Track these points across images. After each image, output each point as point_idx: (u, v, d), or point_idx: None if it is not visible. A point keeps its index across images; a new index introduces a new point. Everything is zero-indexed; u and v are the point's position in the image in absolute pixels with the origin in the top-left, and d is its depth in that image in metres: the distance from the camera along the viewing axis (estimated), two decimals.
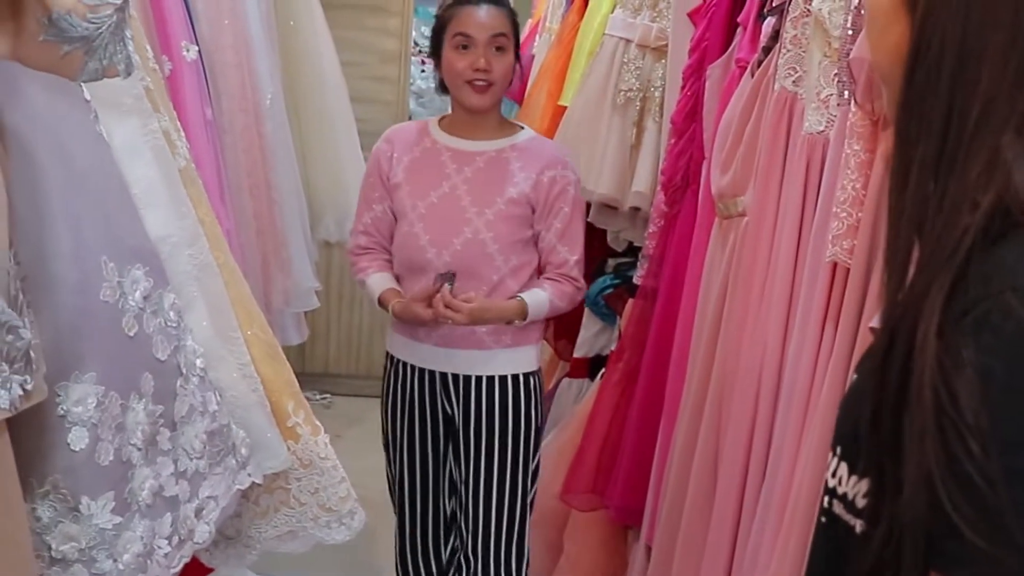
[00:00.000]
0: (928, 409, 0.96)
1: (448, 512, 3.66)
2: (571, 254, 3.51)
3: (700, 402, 2.96)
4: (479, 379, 3.50)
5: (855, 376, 1.22)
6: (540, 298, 3.46)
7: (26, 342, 1.41)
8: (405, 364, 3.57)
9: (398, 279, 3.55)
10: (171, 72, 2.64)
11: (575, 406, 4.23)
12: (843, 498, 1.13)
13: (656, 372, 3.37)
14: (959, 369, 0.95)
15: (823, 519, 1.19)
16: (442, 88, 3.60)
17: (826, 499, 1.18)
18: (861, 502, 1.07)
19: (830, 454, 1.18)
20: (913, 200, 1.05)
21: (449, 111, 3.66)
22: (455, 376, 3.51)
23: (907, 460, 0.97)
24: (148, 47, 2.13)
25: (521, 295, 3.45)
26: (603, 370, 4.02)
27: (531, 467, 3.54)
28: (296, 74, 4.06)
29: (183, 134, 2.13)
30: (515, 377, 3.52)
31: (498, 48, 3.45)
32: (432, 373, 3.53)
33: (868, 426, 1.04)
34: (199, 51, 2.83)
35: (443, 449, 3.60)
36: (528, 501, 3.55)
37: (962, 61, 1.03)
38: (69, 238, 1.60)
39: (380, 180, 3.55)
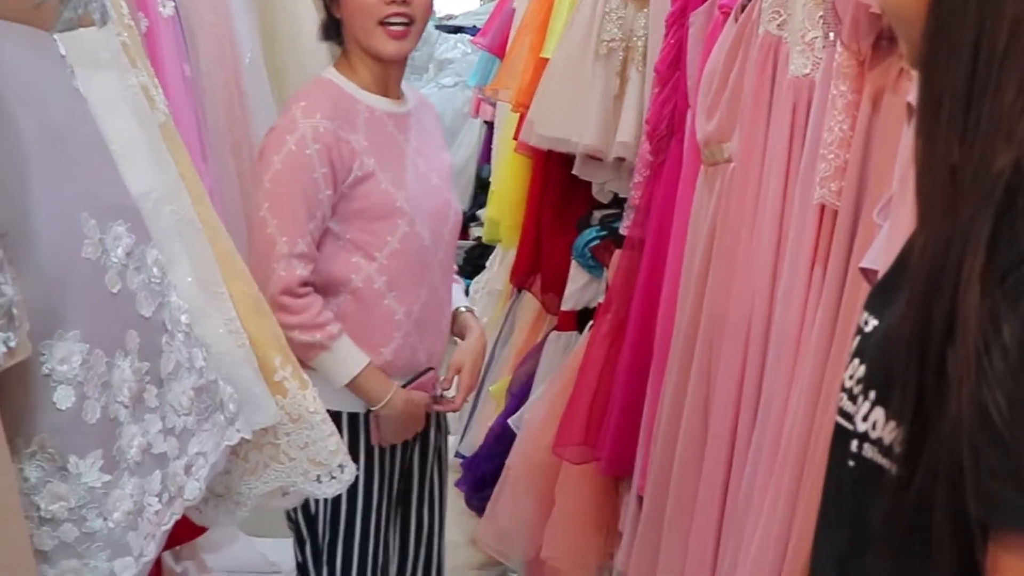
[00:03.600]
0: (970, 356, 0.96)
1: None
2: None
3: (689, 350, 2.96)
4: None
5: (870, 318, 1.21)
6: (463, 293, 3.16)
7: (8, 299, 1.39)
8: None
9: (360, 300, 2.76)
10: (147, 29, 2.61)
11: (563, 359, 4.23)
12: (878, 443, 1.13)
13: (644, 322, 3.36)
14: (997, 330, 0.97)
15: (851, 463, 1.18)
16: (331, 31, 2.90)
17: (854, 443, 1.17)
18: (898, 446, 1.07)
19: (855, 399, 1.18)
20: (946, 133, 1.04)
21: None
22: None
23: (949, 400, 0.98)
24: (124, 3, 2.10)
25: (465, 304, 3.08)
26: (591, 322, 4.01)
27: None
28: (275, 35, 4.02)
29: (161, 90, 2.10)
30: None
31: None
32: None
33: (913, 365, 1.03)
34: (176, 8, 2.80)
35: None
36: None
37: None
38: (48, 195, 1.58)
39: (331, 174, 2.69)
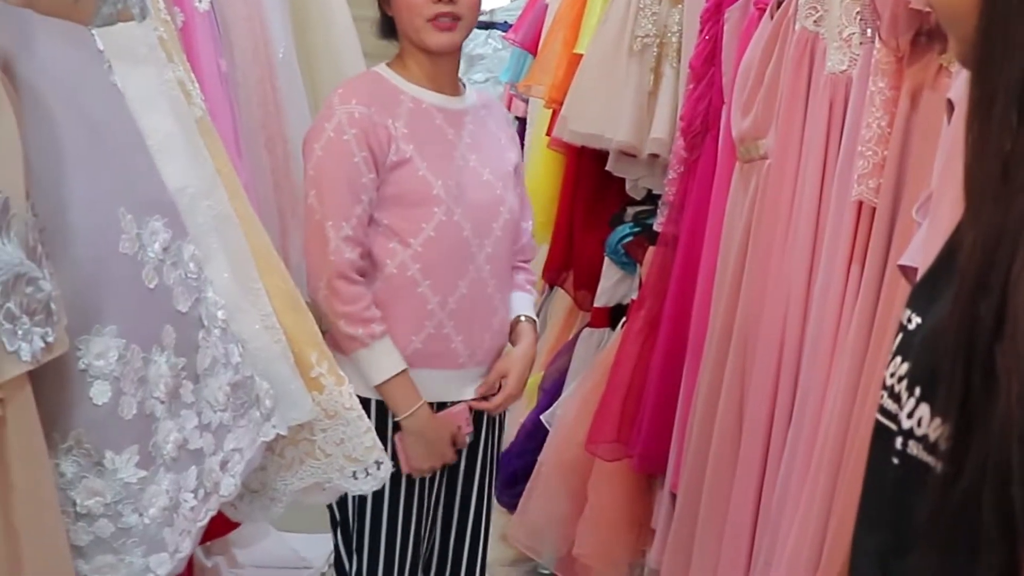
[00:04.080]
0: (1019, 352, 0.95)
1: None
2: (528, 222, 3.16)
3: (724, 348, 2.95)
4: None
5: (913, 315, 1.19)
6: (531, 304, 3.12)
7: (46, 294, 1.39)
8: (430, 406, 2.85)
9: (394, 286, 2.77)
10: (184, 23, 2.61)
11: (597, 356, 4.22)
12: (923, 440, 1.11)
13: (678, 319, 3.35)
14: None
15: (895, 460, 1.17)
16: (386, 29, 2.95)
17: (898, 441, 1.16)
18: (944, 443, 1.05)
19: (899, 397, 1.16)
20: (999, 127, 1.02)
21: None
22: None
23: (997, 396, 0.96)
24: None
25: (526, 314, 3.04)
26: (624, 319, 4.00)
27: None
28: (307, 30, 4.01)
29: (197, 85, 2.10)
30: None
31: None
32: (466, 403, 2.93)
33: (960, 361, 1.01)
34: (211, 2, 2.80)
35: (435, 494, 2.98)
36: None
37: None
38: (85, 190, 1.58)
39: (372, 157, 2.73)
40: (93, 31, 1.68)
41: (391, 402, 2.77)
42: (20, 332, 1.35)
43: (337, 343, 2.70)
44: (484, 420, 3.00)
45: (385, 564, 2.86)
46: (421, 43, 2.82)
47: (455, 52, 2.90)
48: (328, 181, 2.74)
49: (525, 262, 3.14)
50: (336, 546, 2.94)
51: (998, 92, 1.02)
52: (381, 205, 2.77)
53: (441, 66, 2.88)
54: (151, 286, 1.67)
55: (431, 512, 2.95)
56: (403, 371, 2.74)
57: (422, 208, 2.77)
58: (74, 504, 1.59)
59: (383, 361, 2.73)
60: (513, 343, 3.01)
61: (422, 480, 2.88)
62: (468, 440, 2.91)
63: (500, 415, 3.07)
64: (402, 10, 2.81)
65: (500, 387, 2.95)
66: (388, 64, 2.91)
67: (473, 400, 2.92)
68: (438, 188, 2.76)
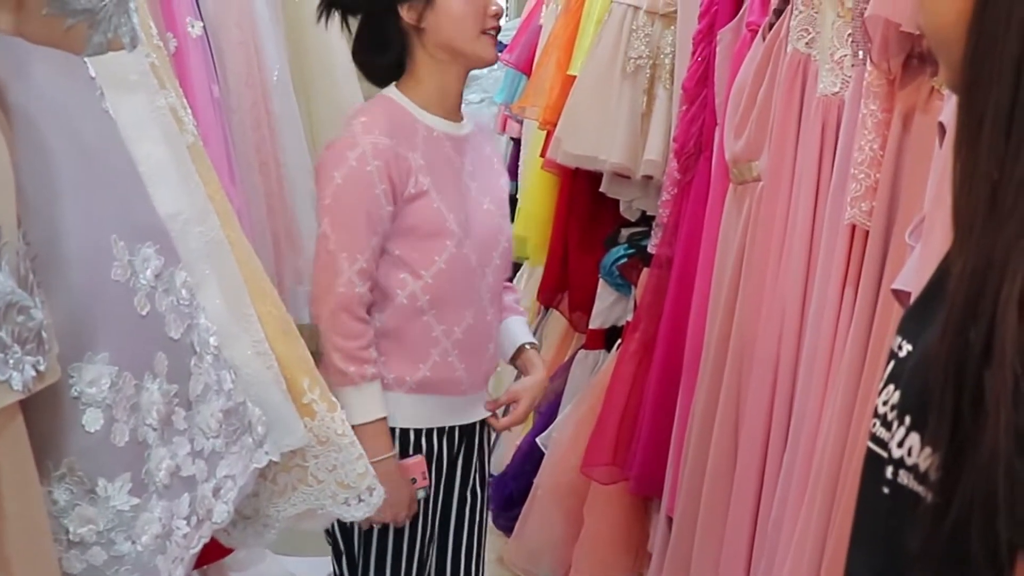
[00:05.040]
0: (1007, 381, 0.94)
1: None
2: None
3: (719, 370, 2.94)
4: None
5: (904, 342, 1.19)
6: (527, 326, 3.13)
7: (38, 322, 1.39)
8: (432, 432, 2.86)
9: (402, 316, 2.76)
10: (176, 49, 2.61)
11: (592, 378, 4.22)
12: (913, 469, 1.11)
13: (673, 341, 3.35)
14: None
15: (885, 490, 1.16)
16: (395, 45, 2.81)
17: (889, 470, 1.15)
18: (934, 473, 1.05)
19: (890, 425, 1.16)
20: (988, 153, 1.02)
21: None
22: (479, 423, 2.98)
23: (986, 426, 0.95)
24: (152, 24, 2.10)
25: (530, 341, 3.05)
26: (619, 341, 4.00)
27: None
28: (303, 53, 4.01)
29: (190, 111, 2.10)
30: None
31: None
32: (463, 428, 2.94)
33: (949, 390, 1.01)
34: (204, 28, 2.80)
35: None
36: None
37: None
38: (78, 217, 1.57)
39: (391, 190, 2.69)
40: (85, 58, 1.68)
41: (362, 445, 2.71)
42: (11, 361, 1.34)
43: (326, 371, 2.64)
44: (475, 443, 2.99)
45: None
46: (474, 55, 2.78)
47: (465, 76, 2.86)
48: (346, 211, 2.68)
49: (508, 280, 3.13)
50: (334, 570, 2.93)
51: (986, 119, 1.02)
52: (394, 236, 2.73)
53: (459, 87, 2.85)
54: (143, 313, 1.66)
55: (430, 534, 2.94)
56: (382, 418, 2.71)
57: (435, 240, 2.73)
58: (67, 532, 1.58)
59: (367, 404, 2.69)
60: (524, 371, 3.02)
61: (426, 503, 2.87)
62: (422, 495, 2.83)
63: (489, 437, 3.08)
64: (451, 23, 2.74)
65: (508, 408, 2.99)
66: (398, 85, 2.85)
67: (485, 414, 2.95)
68: (451, 221, 2.73)
